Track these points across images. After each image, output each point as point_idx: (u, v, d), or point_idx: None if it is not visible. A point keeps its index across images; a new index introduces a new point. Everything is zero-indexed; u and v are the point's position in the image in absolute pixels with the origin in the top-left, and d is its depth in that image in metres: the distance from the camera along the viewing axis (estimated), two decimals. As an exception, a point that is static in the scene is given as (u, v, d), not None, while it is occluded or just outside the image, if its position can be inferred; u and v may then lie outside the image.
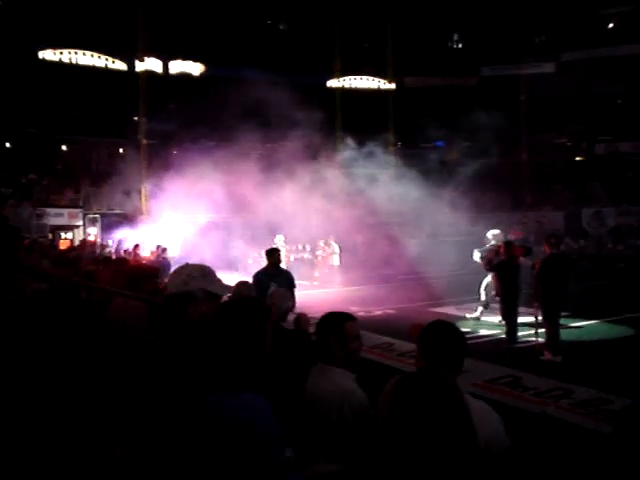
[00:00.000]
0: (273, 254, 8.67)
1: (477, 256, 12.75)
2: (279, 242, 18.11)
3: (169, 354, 2.56)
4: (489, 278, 12.32)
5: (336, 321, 3.11)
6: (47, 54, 27.79)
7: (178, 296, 2.68)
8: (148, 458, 2.43)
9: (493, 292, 11.84)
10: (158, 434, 2.40)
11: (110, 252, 19.52)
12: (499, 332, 10.68)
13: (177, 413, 2.32)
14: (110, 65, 29.15)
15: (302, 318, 5.17)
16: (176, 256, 17.44)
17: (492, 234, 12.85)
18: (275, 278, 8.04)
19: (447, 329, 2.72)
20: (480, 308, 12.46)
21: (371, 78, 34.18)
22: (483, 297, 12.50)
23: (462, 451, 1.29)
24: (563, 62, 33.32)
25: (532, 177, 32.04)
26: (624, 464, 1.42)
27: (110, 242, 21.83)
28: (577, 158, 34.48)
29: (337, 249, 19.21)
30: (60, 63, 28.08)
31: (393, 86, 33.58)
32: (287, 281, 8.22)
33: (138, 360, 2.74)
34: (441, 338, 2.67)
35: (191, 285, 2.73)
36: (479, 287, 12.51)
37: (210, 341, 2.25)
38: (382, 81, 33.85)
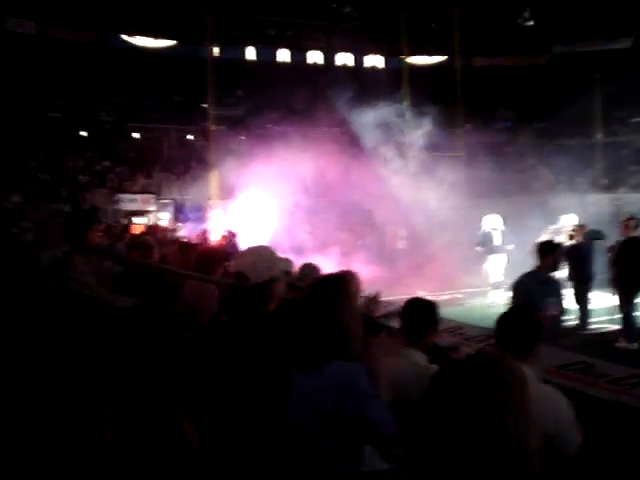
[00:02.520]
0: (553, 251, 5.85)
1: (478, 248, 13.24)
2: (566, 224, 11.74)
3: (250, 335, 2.66)
4: (488, 264, 12.94)
5: (433, 310, 3.29)
6: (119, 40, 28.62)
7: (264, 283, 2.78)
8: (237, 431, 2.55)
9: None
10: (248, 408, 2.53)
11: (180, 237, 20.03)
12: (573, 317, 10.41)
13: (269, 389, 2.47)
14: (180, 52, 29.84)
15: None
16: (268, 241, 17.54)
17: (484, 219, 13.27)
18: (552, 289, 5.63)
19: (520, 314, 2.75)
20: (491, 290, 12.80)
21: (439, 57, 33.63)
22: (490, 280, 12.92)
23: (502, 439, 1.21)
24: (640, 37, 31.86)
25: (607, 158, 30.81)
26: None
27: (180, 226, 22.39)
28: (656, 137, 32.97)
29: (404, 232, 19.09)
30: (130, 52, 28.85)
31: (461, 66, 32.90)
32: (557, 294, 5.64)
33: (211, 340, 2.84)
34: (511, 323, 2.69)
35: (275, 270, 2.84)
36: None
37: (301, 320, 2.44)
38: (450, 61, 33.22)
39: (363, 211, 20.39)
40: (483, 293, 12.98)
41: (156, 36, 29.68)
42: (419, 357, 3.14)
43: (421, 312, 3.28)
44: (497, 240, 12.92)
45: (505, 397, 1.21)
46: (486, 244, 12.95)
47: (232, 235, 17.77)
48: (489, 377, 1.23)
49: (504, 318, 2.74)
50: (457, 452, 1.19)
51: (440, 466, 1.20)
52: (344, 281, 2.51)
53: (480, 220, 13.72)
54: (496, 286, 12.72)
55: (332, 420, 2.28)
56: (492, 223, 13.09)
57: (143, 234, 13.44)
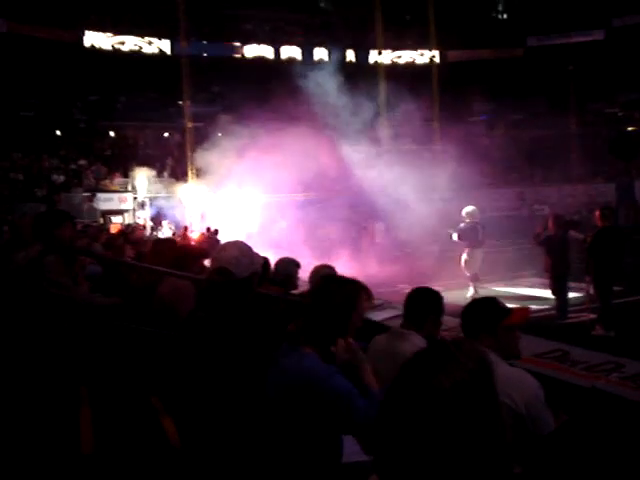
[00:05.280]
0: None
1: (455, 236, 12.87)
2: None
3: (232, 330, 2.65)
4: (466, 255, 12.69)
5: (436, 299, 3.47)
6: (92, 37, 28.28)
7: (249, 278, 2.78)
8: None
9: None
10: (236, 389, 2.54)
11: (159, 236, 19.91)
12: (549, 307, 10.51)
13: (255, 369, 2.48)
14: (153, 49, 29.63)
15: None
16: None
17: (466, 212, 12.97)
18: None
19: (478, 304, 2.84)
20: (472, 286, 12.50)
21: (414, 52, 33.73)
22: (467, 273, 12.68)
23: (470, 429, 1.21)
24: (613, 28, 32.17)
25: (582, 149, 31.17)
26: None
27: (160, 225, 22.27)
28: (629, 128, 33.39)
29: (382, 226, 19.16)
30: (104, 51, 28.56)
31: (437, 60, 33.01)
32: None
33: (190, 336, 2.82)
34: (469, 312, 2.85)
35: (255, 264, 2.85)
36: (462, 264, 12.76)
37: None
38: (425, 55, 33.33)
39: (342, 205, 20.42)
40: (461, 285, 13.00)
41: (129, 34, 29.37)
42: (421, 342, 3.19)
43: (423, 299, 3.44)
44: (479, 234, 12.86)
45: (462, 378, 1.21)
46: (469, 237, 12.75)
47: (213, 232, 17.76)
48: (446, 360, 1.24)
49: (466, 308, 2.87)
50: (417, 434, 1.19)
51: (401, 452, 1.21)
52: (361, 287, 2.53)
53: (456, 212, 13.67)
54: (475, 279, 12.73)
55: (302, 410, 2.29)
56: (474, 216, 12.98)
57: (118, 234, 13.35)
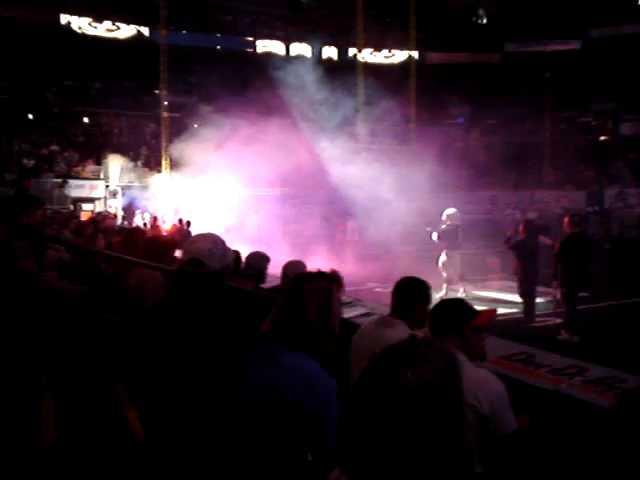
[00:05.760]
0: None
1: (435, 236, 12.90)
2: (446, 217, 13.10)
3: (203, 322, 2.62)
4: (444, 256, 12.70)
5: (423, 288, 3.46)
6: (69, 19, 27.89)
7: (220, 271, 2.76)
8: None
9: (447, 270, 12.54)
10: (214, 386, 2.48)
11: (130, 225, 19.71)
12: (517, 311, 10.64)
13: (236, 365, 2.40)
14: (131, 31, 29.40)
15: None
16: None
17: (447, 214, 12.99)
18: None
19: (445, 304, 2.88)
20: (445, 285, 12.53)
21: (393, 52, 33.86)
22: (444, 274, 12.67)
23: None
24: (589, 39, 32.65)
25: (555, 156, 31.58)
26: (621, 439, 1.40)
27: (138, 213, 22.06)
28: (601, 137, 33.92)
29: (354, 224, 19.20)
30: (81, 35, 28.16)
31: (416, 60, 33.14)
32: None
33: (158, 326, 2.78)
34: (436, 312, 2.89)
35: (228, 258, 2.84)
36: (440, 266, 12.71)
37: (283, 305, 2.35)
38: (404, 55, 33.46)
39: (316, 202, 20.43)
40: (435, 287, 12.95)
41: (107, 19, 29.00)
42: (405, 333, 3.14)
43: (410, 288, 3.46)
44: (459, 236, 12.87)
45: (429, 376, 1.22)
46: (449, 239, 12.74)
47: (186, 224, 17.63)
48: (415, 358, 1.24)
49: (434, 308, 2.93)
50: (381, 429, 1.19)
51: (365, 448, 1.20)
52: (332, 278, 2.45)
53: (431, 213, 13.67)
54: (450, 281, 12.66)
55: (284, 414, 2.18)
56: (455, 218, 12.95)
57: (89, 221, 13.19)
